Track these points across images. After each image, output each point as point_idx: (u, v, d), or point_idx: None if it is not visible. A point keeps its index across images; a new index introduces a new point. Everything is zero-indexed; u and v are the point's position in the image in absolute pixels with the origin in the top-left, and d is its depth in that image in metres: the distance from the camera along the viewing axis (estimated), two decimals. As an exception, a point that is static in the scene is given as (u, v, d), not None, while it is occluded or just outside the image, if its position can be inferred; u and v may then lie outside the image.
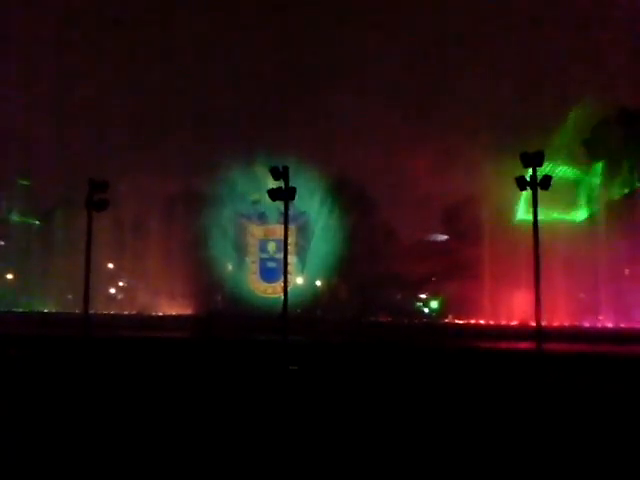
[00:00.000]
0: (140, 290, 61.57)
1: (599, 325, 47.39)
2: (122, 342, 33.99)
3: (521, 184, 28.56)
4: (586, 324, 47.44)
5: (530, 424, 13.59)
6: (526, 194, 53.29)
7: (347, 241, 57.81)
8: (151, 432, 12.75)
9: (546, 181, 27.97)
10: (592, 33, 53.12)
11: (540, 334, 25.23)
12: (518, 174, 28.79)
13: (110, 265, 64.40)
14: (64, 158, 63.93)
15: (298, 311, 53.85)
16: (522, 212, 53.71)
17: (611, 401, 16.52)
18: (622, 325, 45.90)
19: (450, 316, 56.11)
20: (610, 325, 46.80)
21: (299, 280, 61.21)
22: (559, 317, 47.09)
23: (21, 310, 59.05)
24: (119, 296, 66.74)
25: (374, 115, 56.07)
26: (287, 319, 28.00)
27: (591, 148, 53.68)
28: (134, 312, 58.34)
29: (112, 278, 65.32)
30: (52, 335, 34.90)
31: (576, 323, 47.32)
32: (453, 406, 15.58)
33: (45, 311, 58.43)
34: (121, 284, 67.58)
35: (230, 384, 19.14)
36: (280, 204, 28.73)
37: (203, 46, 68.27)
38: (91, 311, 33.09)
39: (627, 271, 50.66)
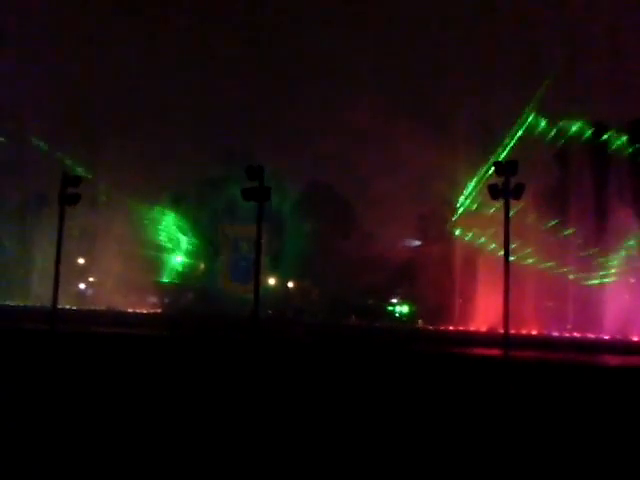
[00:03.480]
0: (110, 286, 60.68)
1: (567, 334, 48.00)
2: (87, 337, 33.55)
3: (493, 192, 28.70)
4: (554, 333, 48.05)
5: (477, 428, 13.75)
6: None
7: (320, 243, 57.79)
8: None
9: (518, 190, 28.14)
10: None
11: (507, 341, 25.54)
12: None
13: (81, 260, 63.47)
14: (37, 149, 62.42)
15: (269, 312, 53.71)
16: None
17: (565, 408, 16.81)
18: (590, 335, 46.51)
19: (420, 321, 56.41)
20: (577, 335, 47.40)
21: (271, 281, 61.06)
22: (528, 325, 47.61)
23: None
24: (89, 292, 65.79)
25: (351, 116, 55.72)
26: (257, 319, 27.98)
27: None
28: (103, 308, 57.60)
29: (82, 273, 64.36)
30: (15, 328, 34.33)
31: (544, 331, 47.96)
32: (405, 408, 15.72)
33: (11, 304, 57.33)
34: (92, 280, 66.59)
35: (193, 382, 19.02)
36: (255, 204, 28.53)
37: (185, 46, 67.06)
38: (59, 306, 32.65)
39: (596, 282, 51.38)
